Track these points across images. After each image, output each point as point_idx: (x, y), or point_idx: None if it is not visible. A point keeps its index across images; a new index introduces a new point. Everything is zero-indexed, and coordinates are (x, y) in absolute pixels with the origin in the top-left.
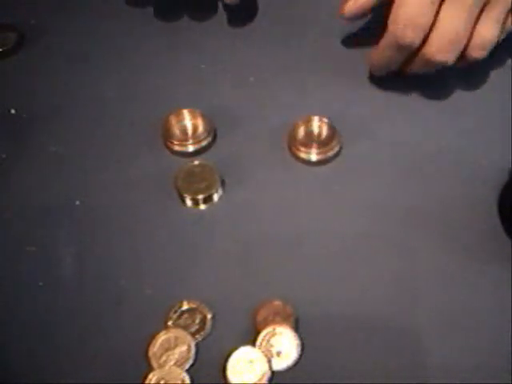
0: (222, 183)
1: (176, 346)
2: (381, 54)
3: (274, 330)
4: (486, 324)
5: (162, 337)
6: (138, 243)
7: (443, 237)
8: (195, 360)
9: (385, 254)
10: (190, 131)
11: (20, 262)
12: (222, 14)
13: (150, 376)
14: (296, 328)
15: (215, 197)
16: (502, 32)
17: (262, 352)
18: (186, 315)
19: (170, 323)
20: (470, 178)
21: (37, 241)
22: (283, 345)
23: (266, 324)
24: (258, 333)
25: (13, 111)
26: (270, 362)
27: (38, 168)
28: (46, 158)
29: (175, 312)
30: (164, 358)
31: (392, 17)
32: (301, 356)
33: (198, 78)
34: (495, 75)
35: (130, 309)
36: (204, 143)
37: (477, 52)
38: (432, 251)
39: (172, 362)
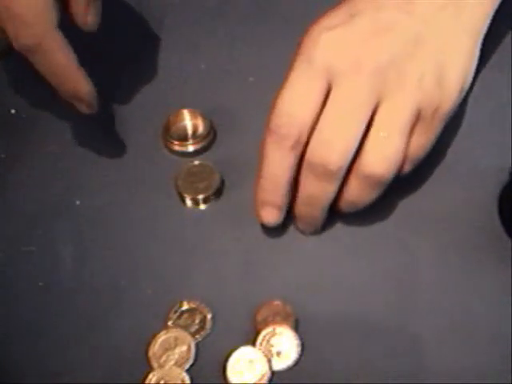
0: (222, 183)
1: (176, 345)
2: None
3: (274, 330)
4: (485, 324)
5: (161, 337)
6: (138, 243)
7: (443, 237)
8: (195, 360)
9: (384, 254)
10: (189, 131)
11: (20, 262)
12: (221, 14)
13: (150, 376)
14: (296, 328)
15: (215, 197)
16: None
17: (262, 352)
18: (185, 315)
19: (170, 323)
20: (469, 179)
21: (36, 241)
22: (283, 345)
23: (265, 324)
24: (257, 333)
25: (13, 111)
26: (269, 362)
27: (38, 168)
28: (46, 157)
29: (175, 312)
30: (164, 358)
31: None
32: (301, 356)
33: (197, 78)
34: (495, 75)
35: (130, 309)
36: (204, 143)
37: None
38: (432, 251)
39: (172, 362)
